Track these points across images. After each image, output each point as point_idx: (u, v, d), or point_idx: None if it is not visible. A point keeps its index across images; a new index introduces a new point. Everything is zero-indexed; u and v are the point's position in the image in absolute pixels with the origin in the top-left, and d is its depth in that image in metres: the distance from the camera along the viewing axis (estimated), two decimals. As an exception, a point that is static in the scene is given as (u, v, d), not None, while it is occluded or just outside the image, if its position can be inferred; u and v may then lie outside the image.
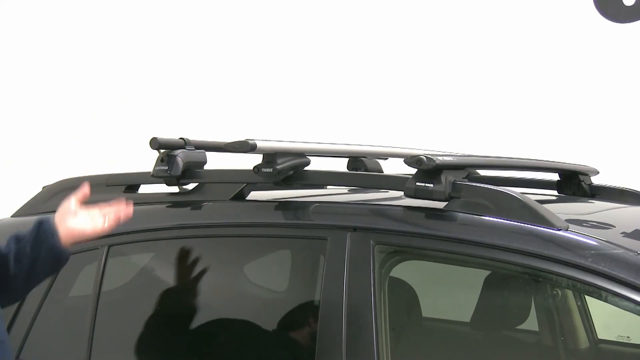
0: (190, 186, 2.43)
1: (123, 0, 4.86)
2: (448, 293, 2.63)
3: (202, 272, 2.33)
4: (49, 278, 2.27)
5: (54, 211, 2.53)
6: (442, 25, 4.36)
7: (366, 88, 4.46)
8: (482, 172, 2.68)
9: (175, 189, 2.46)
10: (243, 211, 2.27)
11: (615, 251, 1.77)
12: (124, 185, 2.53)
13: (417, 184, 1.97)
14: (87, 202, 1.95)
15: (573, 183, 2.68)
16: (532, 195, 2.18)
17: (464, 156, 2.29)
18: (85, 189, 1.95)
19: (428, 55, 4.37)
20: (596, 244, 1.79)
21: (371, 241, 1.99)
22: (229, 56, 4.69)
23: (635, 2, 4.06)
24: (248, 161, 2.25)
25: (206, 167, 2.44)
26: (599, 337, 2.79)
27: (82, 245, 2.34)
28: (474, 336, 2.54)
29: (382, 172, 2.74)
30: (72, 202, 1.92)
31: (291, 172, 2.21)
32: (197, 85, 4.72)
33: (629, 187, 2.64)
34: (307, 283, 2.34)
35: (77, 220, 1.89)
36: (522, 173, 2.73)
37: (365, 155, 2.72)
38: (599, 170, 2.77)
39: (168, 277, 2.41)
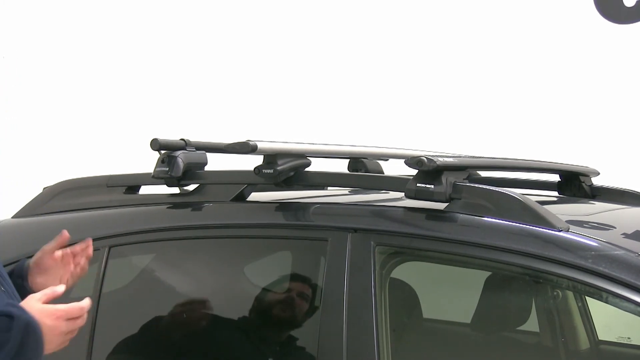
0: (191, 187, 2.43)
1: (124, 0, 4.86)
2: (449, 294, 2.63)
3: (203, 273, 2.33)
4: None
5: (54, 212, 2.54)
6: (442, 26, 4.36)
7: (367, 89, 4.46)
8: (483, 173, 2.68)
9: (176, 190, 2.46)
10: (243, 212, 2.27)
11: (615, 252, 1.77)
12: (125, 186, 2.53)
13: (417, 185, 1.97)
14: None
15: (573, 184, 2.68)
16: (533, 196, 2.18)
17: (465, 157, 2.29)
18: (62, 241, 1.98)
19: (428, 56, 4.37)
20: (597, 245, 1.79)
21: (372, 242, 1.99)
22: (230, 57, 4.69)
23: (636, 3, 4.07)
24: (249, 162, 2.25)
25: (207, 168, 2.44)
26: (600, 338, 2.79)
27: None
28: (475, 337, 2.54)
29: (383, 173, 2.74)
30: (46, 258, 1.96)
31: (292, 173, 2.21)
32: (198, 86, 4.72)
33: (629, 188, 2.64)
34: (308, 284, 2.33)
35: (49, 280, 1.95)
36: (523, 174, 2.73)
37: (366, 156, 2.72)
38: (599, 171, 2.77)
39: (169, 278, 2.41)
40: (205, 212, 2.31)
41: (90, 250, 2.03)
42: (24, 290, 1.91)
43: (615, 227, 2.07)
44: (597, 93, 4.10)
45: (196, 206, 2.33)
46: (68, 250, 1.99)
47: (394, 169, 2.70)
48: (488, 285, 2.33)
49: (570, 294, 2.67)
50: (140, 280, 2.43)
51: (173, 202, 2.40)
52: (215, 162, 2.50)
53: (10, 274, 1.95)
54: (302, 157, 2.24)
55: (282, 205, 2.25)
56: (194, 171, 2.38)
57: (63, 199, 2.58)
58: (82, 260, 2.01)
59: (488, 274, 2.26)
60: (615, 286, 1.73)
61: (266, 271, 2.41)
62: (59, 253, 1.98)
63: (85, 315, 1.75)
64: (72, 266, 1.99)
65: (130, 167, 2.70)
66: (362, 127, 4.32)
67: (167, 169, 2.34)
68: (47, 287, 1.89)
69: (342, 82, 4.50)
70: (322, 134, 3.96)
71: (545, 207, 1.94)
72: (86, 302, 1.75)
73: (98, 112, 4.82)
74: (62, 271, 1.98)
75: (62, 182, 2.65)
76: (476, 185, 2.00)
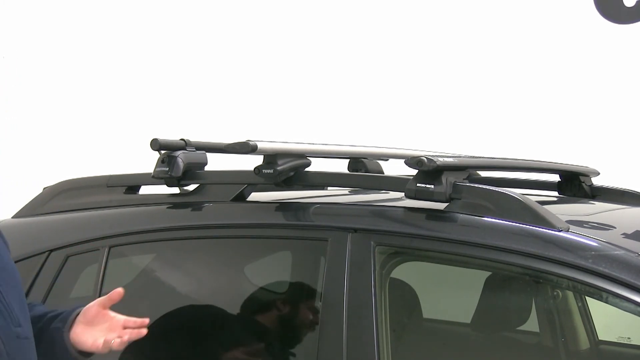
0: (191, 187, 2.43)
1: (124, 0, 4.86)
2: (449, 294, 2.63)
3: (203, 274, 2.33)
4: (49, 280, 2.27)
5: (54, 212, 2.54)
6: (442, 26, 4.36)
7: (367, 89, 4.46)
8: (483, 173, 2.68)
9: (176, 190, 2.46)
10: (243, 212, 2.27)
11: (615, 252, 1.77)
12: (125, 186, 2.53)
13: (417, 185, 1.97)
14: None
15: (574, 184, 2.68)
16: (533, 196, 2.18)
17: (465, 157, 2.29)
18: (115, 296, 1.86)
19: (429, 56, 4.37)
20: (597, 245, 1.79)
21: (372, 242, 1.99)
22: (230, 57, 4.69)
23: (636, 3, 4.07)
24: (249, 162, 2.25)
25: (207, 168, 2.44)
26: (600, 338, 2.79)
27: (83, 246, 2.36)
28: (475, 337, 2.54)
29: (383, 173, 2.75)
30: (93, 307, 1.86)
31: (292, 173, 2.21)
32: (198, 86, 4.72)
33: (629, 188, 2.64)
34: (308, 284, 2.34)
35: (86, 333, 1.86)
36: (523, 174, 2.73)
37: (366, 156, 2.72)
38: (599, 171, 2.77)
39: (168, 278, 2.41)
40: (205, 212, 2.31)
41: (143, 332, 1.87)
42: (60, 334, 1.84)
43: (615, 227, 2.07)
44: (597, 93, 4.10)
45: (196, 206, 2.34)
46: (121, 318, 1.87)
47: (394, 169, 2.70)
48: (488, 285, 2.33)
49: (570, 294, 2.67)
50: (140, 280, 2.43)
51: (173, 202, 2.41)
52: (215, 162, 2.50)
53: (59, 314, 1.88)
54: (302, 157, 2.24)
55: (282, 205, 2.25)
56: (194, 171, 2.38)
57: (63, 199, 2.58)
58: (125, 335, 1.85)
59: (488, 274, 2.26)
60: (615, 286, 1.72)
61: (266, 271, 2.41)
62: (110, 313, 1.87)
63: None
64: (114, 335, 1.84)
65: (130, 167, 2.70)
66: (362, 127, 4.32)
67: (167, 169, 2.34)
68: (79, 341, 1.84)
69: (342, 82, 4.50)
70: (322, 134, 3.96)
71: (545, 207, 1.94)
72: None
73: (98, 112, 4.83)
74: (101, 333, 1.85)
75: (62, 182, 2.65)
76: (476, 185, 2.00)
